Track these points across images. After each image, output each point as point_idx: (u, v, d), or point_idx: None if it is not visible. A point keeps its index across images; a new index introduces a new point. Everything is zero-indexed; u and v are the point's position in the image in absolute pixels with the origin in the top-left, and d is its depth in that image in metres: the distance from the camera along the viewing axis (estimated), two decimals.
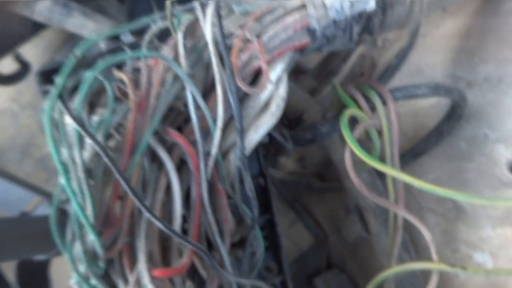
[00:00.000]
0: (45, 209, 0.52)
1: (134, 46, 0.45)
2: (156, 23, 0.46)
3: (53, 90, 0.26)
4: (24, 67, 0.67)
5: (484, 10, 0.49)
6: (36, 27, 0.65)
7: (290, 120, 0.55)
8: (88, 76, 0.26)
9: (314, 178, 0.66)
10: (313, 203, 0.67)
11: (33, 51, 0.74)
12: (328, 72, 0.65)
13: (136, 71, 0.39)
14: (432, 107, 0.50)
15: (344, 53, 0.62)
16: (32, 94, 0.75)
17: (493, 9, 0.48)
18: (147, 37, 0.40)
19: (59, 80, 0.26)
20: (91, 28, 0.59)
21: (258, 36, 0.31)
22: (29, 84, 0.72)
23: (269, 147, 0.56)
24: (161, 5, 0.55)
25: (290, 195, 0.69)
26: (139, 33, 0.49)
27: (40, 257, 0.50)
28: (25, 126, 0.75)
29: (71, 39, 0.74)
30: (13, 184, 0.51)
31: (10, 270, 0.67)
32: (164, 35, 0.43)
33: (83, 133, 0.26)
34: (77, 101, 0.27)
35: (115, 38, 0.49)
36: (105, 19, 0.59)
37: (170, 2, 0.34)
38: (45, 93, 0.44)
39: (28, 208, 0.52)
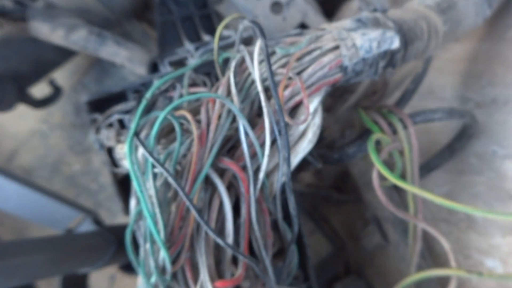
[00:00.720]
0: (87, 226, 0.56)
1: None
2: (193, 56, 0.51)
3: (131, 129, 0.30)
4: (56, 91, 0.72)
5: (490, 36, 0.54)
6: (69, 53, 0.69)
7: None
8: (159, 116, 0.31)
9: (332, 190, 0.70)
10: (330, 214, 0.72)
11: (62, 74, 0.78)
12: (343, 90, 0.70)
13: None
14: (444, 125, 0.54)
15: None
16: (62, 115, 0.79)
17: (499, 35, 0.53)
18: (184, 71, 0.45)
19: (135, 118, 0.31)
20: (123, 56, 0.63)
21: (299, 74, 0.36)
22: (59, 106, 0.77)
23: None
24: (188, 34, 0.60)
25: (308, 206, 0.73)
26: (175, 63, 0.53)
27: (84, 270, 0.54)
28: (55, 145, 0.79)
29: (98, 63, 0.78)
30: (60, 203, 0.55)
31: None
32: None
33: (156, 164, 0.30)
34: (151, 138, 0.31)
35: (154, 68, 0.54)
36: (136, 46, 0.64)
37: (216, 47, 0.38)
38: (93, 121, 0.48)
39: (72, 225, 0.56)
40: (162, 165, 0.30)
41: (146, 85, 0.49)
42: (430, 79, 0.58)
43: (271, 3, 0.65)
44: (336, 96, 0.72)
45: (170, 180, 0.30)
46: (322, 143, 0.61)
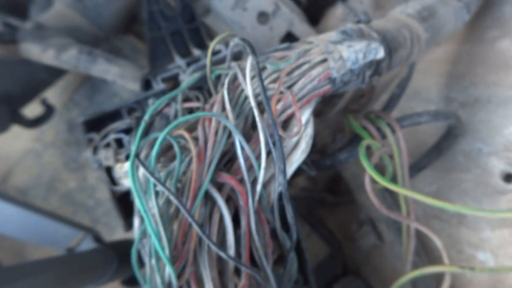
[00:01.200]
0: (88, 244, 0.57)
1: (165, 93, 0.51)
2: (185, 72, 0.52)
3: (132, 151, 0.31)
4: (48, 110, 0.72)
5: (470, 38, 0.56)
6: (60, 72, 0.70)
7: None
8: (159, 137, 0.32)
9: (326, 193, 0.72)
10: (325, 216, 0.73)
11: (53, 92, 0.79)
12: (331, 95, 0.71)
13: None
14: (431, 126, 0.56)
15: None
16: (54, 133, 0.80)
17: (479, 36, 0.55)
18: (179, 92, 0.46)
19: (135, 141, 0.32)
20: (115, 73, 0.64)
21: (289, 88, 0.37)
22: (51, 124, 0.77)
23: None
24: (178, 48, 0.61)
25: (303, 210, 0.74)
26: (168, 79, 0.54)
27: None
28: (49, 163, 0.80)
29: (88, 80, 0.79)
30: (59, 223, 0.55)
31: None
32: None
33: (158, 184, 0.32)
34: (151, 158, 0.32)
35: (147, 85, 0.55)
36: (127, 62, 0.65)
37: (209, 66, 0.39)
38: (90, 141, 0.49)
39: (72, 244, 0.57)
40: (163, 184, 0.31)
41: (140, 102, 0.50)
42: (415, 80, 0.60)
43: (257, 13, 0.66)
44: (325, 101, 0.74)
45: (172, 198, 0.32)
46: (314, 149, 0.62)
